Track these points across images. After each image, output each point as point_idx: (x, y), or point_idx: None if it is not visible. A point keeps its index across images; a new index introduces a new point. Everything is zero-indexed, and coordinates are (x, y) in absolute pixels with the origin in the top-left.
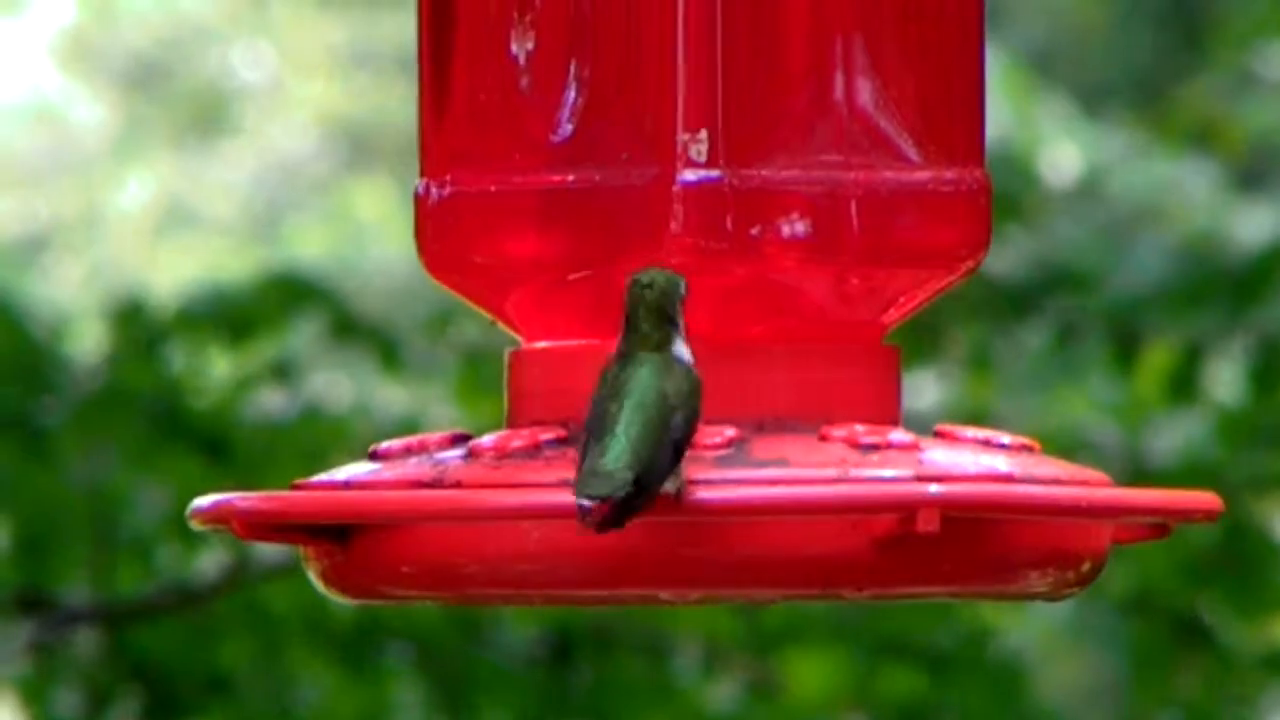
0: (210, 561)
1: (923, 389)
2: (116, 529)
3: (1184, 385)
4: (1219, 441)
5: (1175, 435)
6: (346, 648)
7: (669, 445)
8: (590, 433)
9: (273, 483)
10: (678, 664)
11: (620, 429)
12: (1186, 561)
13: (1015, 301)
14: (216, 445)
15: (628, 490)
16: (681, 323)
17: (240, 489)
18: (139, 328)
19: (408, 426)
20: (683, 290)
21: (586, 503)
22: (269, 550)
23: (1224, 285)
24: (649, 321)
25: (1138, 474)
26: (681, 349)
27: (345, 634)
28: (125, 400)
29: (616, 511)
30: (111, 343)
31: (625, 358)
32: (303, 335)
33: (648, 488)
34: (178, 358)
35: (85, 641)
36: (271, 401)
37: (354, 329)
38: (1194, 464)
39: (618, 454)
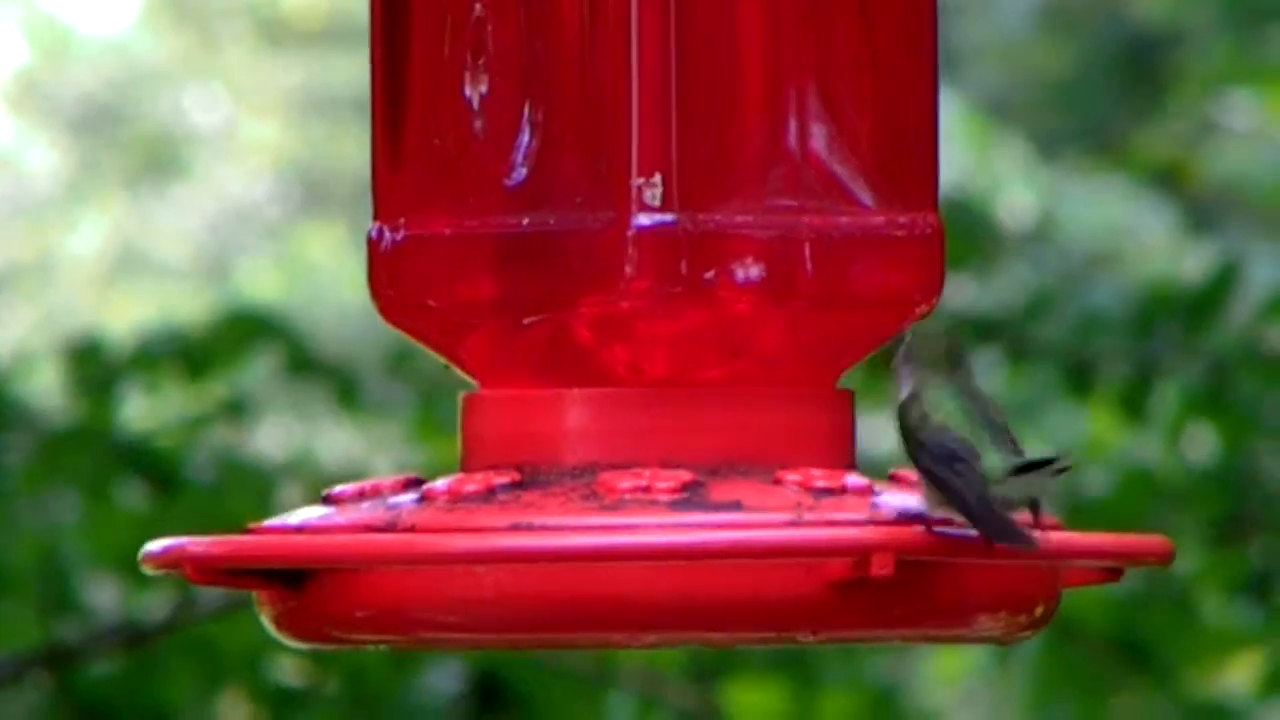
0: (156, 600)
1: (878, 434)
2: (66, 569)
3: (1135, 411)
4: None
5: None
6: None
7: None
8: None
9: (222, 523)
10: (614, 696)
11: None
12: (1126, 598)
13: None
14: (167, 483)
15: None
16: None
17: (191, 530)
18: (94, 366)
19: (359, 468)
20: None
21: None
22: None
23: (1175, 313)
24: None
25: (1078, 509)
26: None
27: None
28: (80, 440)
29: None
30: (66, 382)
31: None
32: (258, 372)
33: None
34: (133, 396)
35: (31, 685)
36: (225, 439)
37: (310, 365)
38: (1132, 497)
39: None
